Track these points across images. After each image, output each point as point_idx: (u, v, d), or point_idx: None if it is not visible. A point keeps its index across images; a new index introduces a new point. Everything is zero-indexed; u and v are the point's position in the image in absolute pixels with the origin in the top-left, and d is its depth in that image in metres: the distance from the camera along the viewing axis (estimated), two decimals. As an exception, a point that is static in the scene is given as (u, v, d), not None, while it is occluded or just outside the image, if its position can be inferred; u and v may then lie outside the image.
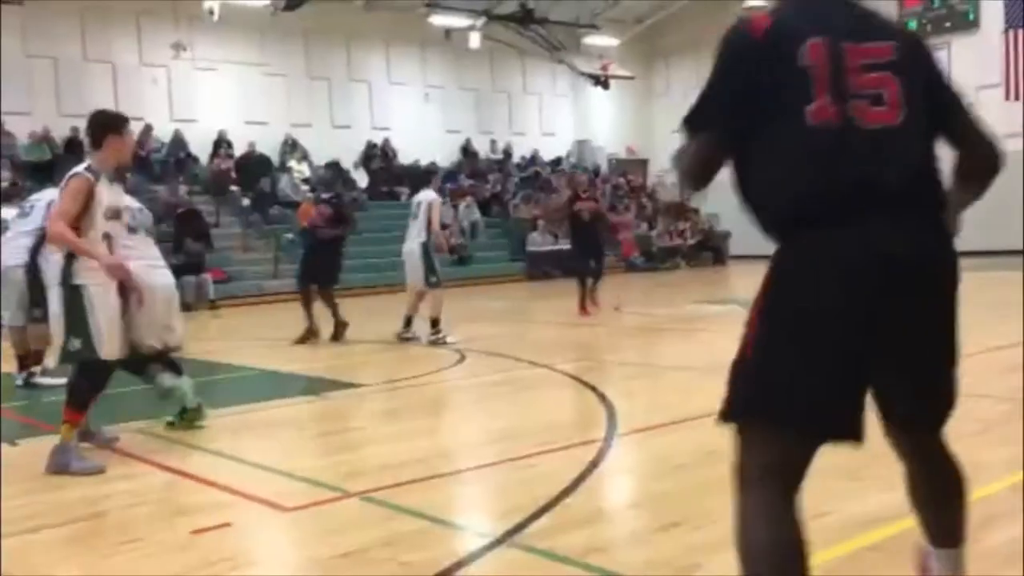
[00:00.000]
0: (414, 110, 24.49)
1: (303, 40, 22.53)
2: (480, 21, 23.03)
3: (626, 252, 23.54)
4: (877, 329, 2.05)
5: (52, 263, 5.13)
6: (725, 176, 2.27)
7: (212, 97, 21.03)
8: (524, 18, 22.71)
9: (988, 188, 2.36)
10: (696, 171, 2.23)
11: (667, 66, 28.36)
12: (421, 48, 24.38)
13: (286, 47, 22.28)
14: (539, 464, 4.71)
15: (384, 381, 7.87)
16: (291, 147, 22.28)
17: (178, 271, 9.34)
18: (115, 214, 5.10)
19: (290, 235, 19.66)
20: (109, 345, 4.95)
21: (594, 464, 4.64)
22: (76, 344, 4.92)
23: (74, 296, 4.92)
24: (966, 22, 22.89)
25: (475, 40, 23.34)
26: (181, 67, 20.80)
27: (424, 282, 10.14)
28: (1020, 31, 21.06)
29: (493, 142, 25.78)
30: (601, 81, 24.54)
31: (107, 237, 5.02)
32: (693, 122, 2.20)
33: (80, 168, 5.06)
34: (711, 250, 24.97)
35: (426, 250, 10.10)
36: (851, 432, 2.10)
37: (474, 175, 24.30)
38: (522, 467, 4.68)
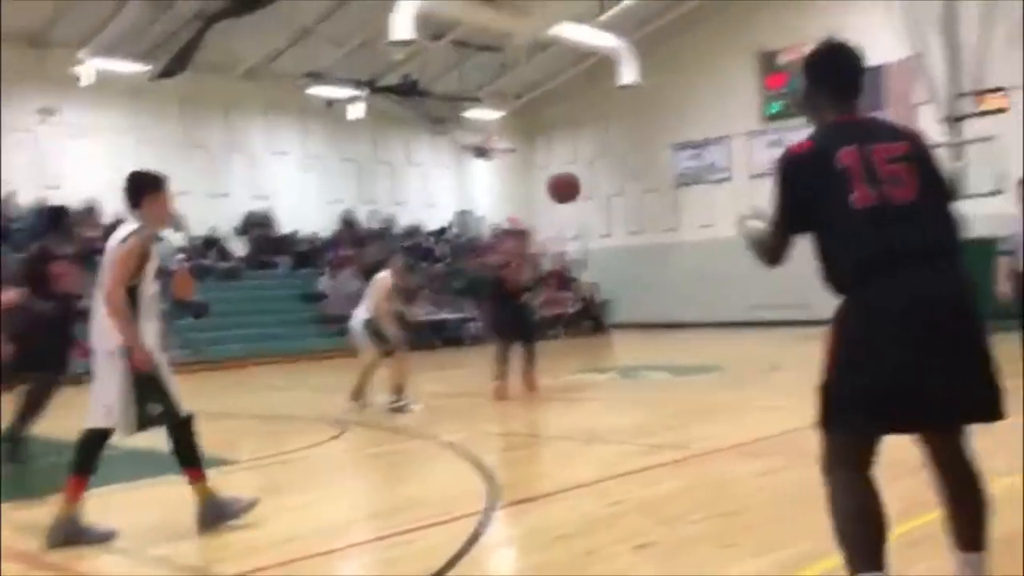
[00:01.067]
0: (295, 179, 24.27)
1: (178, 108, 22.13)
2: (363, 92, 23.08)
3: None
4: (923, 353, 2.69)
5: (105, 330, 4.74)
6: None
7: (83, 163, 20.35)
8: (408, 91, 22.88)
9: None
10: (773, 255, 3.08)
11: (548, 140, 28.99)
12: (301, 118, 24.26)
13: (162, 114, 21.83)
14: (418, 539, 4.60)
15: (258, 456, 7.60)
16: (166, 215, 21.70)
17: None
18: (160, 274, 4.94)
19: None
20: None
21: (475, 537, 4.55)
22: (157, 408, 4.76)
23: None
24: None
25: (354, 111, 23.35)
26: (49, 132, 20.09)
27: (379, 353, 10.03)
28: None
29: (373, 212, 25.71)
30: (483, 153, 24.86)
31: (155, 298, 4.89)
32: (772, 223, 3.01)
33: (135, 227, 4.79)
34: (591, 319, 25.31)
35: (368, 324, 10.00)
36: (900, 430, 2.78)
37: (355, 244, 24.16)
38: (401, 543, 4.56)
